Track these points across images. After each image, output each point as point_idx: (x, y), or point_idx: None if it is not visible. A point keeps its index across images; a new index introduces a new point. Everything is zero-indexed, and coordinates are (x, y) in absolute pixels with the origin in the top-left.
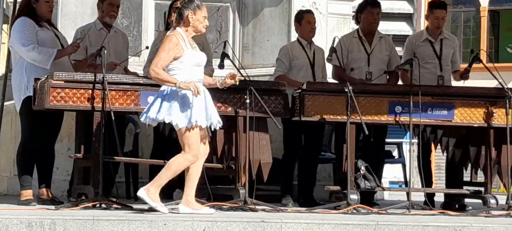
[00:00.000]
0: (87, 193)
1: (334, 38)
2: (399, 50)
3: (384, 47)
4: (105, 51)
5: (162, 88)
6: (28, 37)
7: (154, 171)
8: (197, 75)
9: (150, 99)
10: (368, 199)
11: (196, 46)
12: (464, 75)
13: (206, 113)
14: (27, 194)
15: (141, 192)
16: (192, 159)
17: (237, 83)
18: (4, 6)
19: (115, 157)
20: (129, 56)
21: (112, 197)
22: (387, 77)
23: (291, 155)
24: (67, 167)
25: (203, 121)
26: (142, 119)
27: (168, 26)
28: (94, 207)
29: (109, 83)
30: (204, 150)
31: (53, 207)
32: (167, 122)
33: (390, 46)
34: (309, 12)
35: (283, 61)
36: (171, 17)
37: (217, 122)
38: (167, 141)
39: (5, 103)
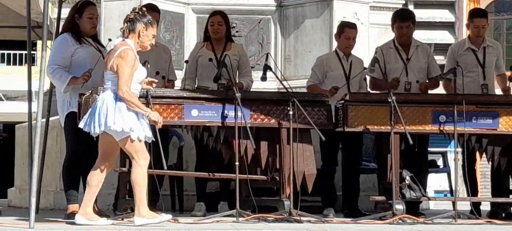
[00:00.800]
0: (132, 206)
1: (376, 49)
2: (441, 59)
3: (421, 55)
4: (149, 65)
5: (101, 97)
6: (56, 58)
7: (199, 183)
8: (137, 91)
9: (194, 112)
10: (414, 209)
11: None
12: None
13: (143, 129)
14: (74, 208)
15: (138, 220)
16: (146, 162)
17: (159, 126)
18: (48, 23)
19: (160, 170)
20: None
21: (157, 210)
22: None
23: (330, 165)
24: (113, 181)
25: (143, 133)
26: (97, 130)
27: (206, 38)
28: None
29: (153, 97)
30: (110, 165)
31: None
32: (122, 130)
33: (427, 54)
34: (352, 26)
35: (316, 72)
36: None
37: (148, 139)
38: (210, 153)
39: (51, 118)
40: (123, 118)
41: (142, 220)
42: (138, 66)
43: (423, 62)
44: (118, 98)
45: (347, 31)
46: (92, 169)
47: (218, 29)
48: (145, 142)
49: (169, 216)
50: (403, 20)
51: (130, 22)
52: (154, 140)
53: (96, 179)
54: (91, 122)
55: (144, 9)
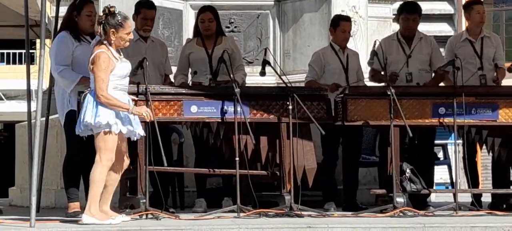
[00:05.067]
0: (134, 203)
1: (375, 41)
2: (441, 51)
3: (425, 47)
4: (147, 62)
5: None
6: (61, 57)
7: (199, 179)
8: (122, 86)
9: (194, 109)
10: (422, 202)
11: (121, 56)
12: (509, 69)
13: (130, 123)
14: (75, 206)
15: (86, 218)
16: (108, 163)
17: (149, 119)
18: (47, 21)
19: (160, 167)
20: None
21: (166, 207)
22: (432, 75)
23: (331, 160)
24: None
25: (123, 128)
26: (79, 131)
27: (196, 33)
28: (141, 217)
29: (152, 93)
30: (125, 164)
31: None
32: (95, 123)
33: (431, 45)
34: (346, 19)
35: (313, 67)
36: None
37: (138, 134)
38: (210, 149)
39: (50, 117)
40: (100, 112)
41: (90, 219)
42: (117, 64)
43: (425, 54)
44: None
45: (342, 24)
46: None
47: (209, 26)
48: (143, 140)
49: (127, 218)
50: (410, 12)
51: (101, 25)
52: (144, 135)
53: (109, 178)
54: (79, 124)
55: (112, 9)
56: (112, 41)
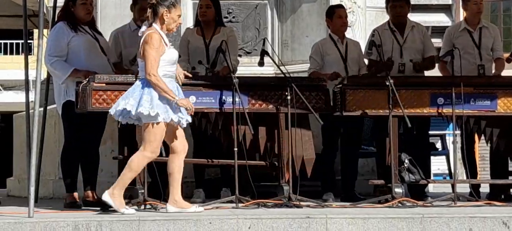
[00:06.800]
0: (132, 194)
1: (373, 32)
2: (438, 41)
3: (417, 35)
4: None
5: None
6: (55, 49)
7: (198, 170)
8: (171, 72)
9: (192, 99)
10: (420, 192)
11: (171, 44)
12: (508, 59)
13: (180, 109)
14: (73, 197)
15: (106, 196)
16: (151, 155)
17: (190, 113)
18: (45, 11)
19: (159, 157)
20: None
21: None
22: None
23: (330, 150)
24: (112, 169)
25: (173, 116)
26: (116, 116)
27: (197, 23)
28: (139, 208)
29: None
30: (183, 146)
31: (99, 209)
32: (146, 113)
33: (422, 33)
34: (340, 6)
35: (315, 58)
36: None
37: (185, 120)
38: (209, 140)
39: (48, 107)
40: (151, 103)
41: (110, 200)
42: (167, 49)
43: (418, 43)
44: (147, 84)
45: (337, 11)
46: (169, 158)
47: (205, 11)
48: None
49: (200, 208)
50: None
51: (152, 7)
52: (189, 122)
53: (175, 165)
54: (118, 106)
55: None
56: (165, 22)
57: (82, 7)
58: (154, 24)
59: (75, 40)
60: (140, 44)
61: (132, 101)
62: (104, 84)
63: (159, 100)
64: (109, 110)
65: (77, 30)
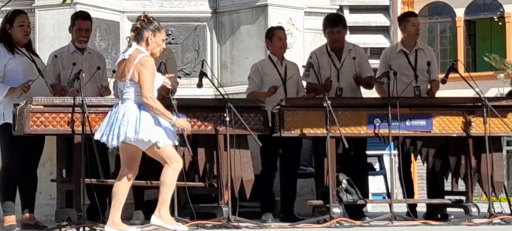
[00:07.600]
0: (70, 216)
1: (311, 54)
2: (377, 62)
3: (355, 59)
4: (83, 74)
5: (117, 108)
6: None
7: (137, 192)
8: (155, 97)
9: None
10: (359, 212)
11: None
12: (443, 80)
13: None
14: (11, 219)
15: (155, 220)
16: (178, 164)
17: (187, 133)
18: None
19: (96, 179)
20: (108, 77)
21: (103, 220)
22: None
23: (269, 171)
24: (50, 191)
25: (166, 140)
26: (115, 142)
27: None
28: (77, 230)
29: (88, 106)
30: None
31: None
32: (148, 140)
33: (360, 55)
34: (280, 28)
35: (253, 79)
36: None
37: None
38: (147, 161)
39: None
40: (148, 128)
41: (161, 222)
42: (156, 73)
43: (356, 66)
44: (142, 107)
45: (277, 32)
46: (117, 179)
47: None
48: (80, 152)
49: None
50: (333, 25)
51: (137, 30)
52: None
53: (122, 188)
54: (109, 133)
55: (149, 15)
56: (149, 46)
57: (19, 29)
58: (139, 48)
59: (12, 63)
60: (130, 66)
61: (131, 127)
62: (41, 106)
63: (156, 126)
64: (102, 139)
65: (14, 52)
